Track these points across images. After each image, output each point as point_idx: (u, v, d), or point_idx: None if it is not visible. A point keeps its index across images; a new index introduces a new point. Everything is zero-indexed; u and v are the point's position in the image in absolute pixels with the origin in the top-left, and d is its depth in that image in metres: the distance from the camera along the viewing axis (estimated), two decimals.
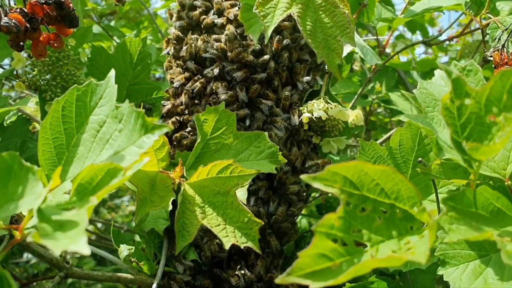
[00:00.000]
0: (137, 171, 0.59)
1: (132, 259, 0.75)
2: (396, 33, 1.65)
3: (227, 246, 0.57)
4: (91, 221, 2.01)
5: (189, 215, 0.59)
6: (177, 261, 0.79)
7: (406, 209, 0.43)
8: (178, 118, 0.87)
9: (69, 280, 3.11)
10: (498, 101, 0.41)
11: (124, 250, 0.76)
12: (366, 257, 0.39)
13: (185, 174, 0.62)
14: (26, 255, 2.50)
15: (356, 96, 1.03)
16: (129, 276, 0.75)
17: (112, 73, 0.50)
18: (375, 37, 1.12)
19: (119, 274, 0.75)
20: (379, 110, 1.68)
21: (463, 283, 0.51)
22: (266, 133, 0.75)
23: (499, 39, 0.76)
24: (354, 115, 0.84)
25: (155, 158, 0.58)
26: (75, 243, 0.35)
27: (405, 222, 0.43)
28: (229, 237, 0.57)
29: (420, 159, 0.64)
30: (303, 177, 0.42)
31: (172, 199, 0.60)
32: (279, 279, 0.38)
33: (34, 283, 0.73)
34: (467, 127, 0.43)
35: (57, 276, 0.71)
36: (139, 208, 0.55)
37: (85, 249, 0.35)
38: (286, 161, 0.73)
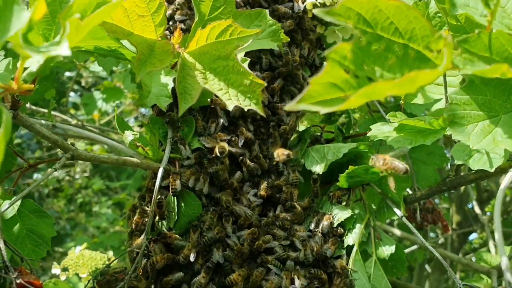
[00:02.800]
0: (135, 35, 0.58)
1: (138, 144, 0.75)
2: None
3: (230, 108, 0.56)
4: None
5: (190, 80, 0.58)
6: (182, 146, 0.79)
7: (419, 50, 0.42)
8: None
9: (79, 200, 3.18)
10: None
11: (129, 135, 0.76)
12: None
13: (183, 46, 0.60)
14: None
15: None
16: (135, 159, 0.75)
17: None
18: None
19: (125, 157, 0.74)
20: None
21: (471, 141, 0.51)
22: (266, 10, 0.72)
23: None
24: None
25: (152, 24, 0.56)
26: (59, 48, 0.35)
27: (418, 62, 0.42)
28: (232, 100, 0.56)
29: None
30: (315, 11, 0.40)
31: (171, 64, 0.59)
32: (288, 107, 0.37)
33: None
34: None
35: (63, 157, 0.71)
36: (139, 67, 0.54)
37: (66, 51, 0.35)
38: (289, 39, 0.71)
